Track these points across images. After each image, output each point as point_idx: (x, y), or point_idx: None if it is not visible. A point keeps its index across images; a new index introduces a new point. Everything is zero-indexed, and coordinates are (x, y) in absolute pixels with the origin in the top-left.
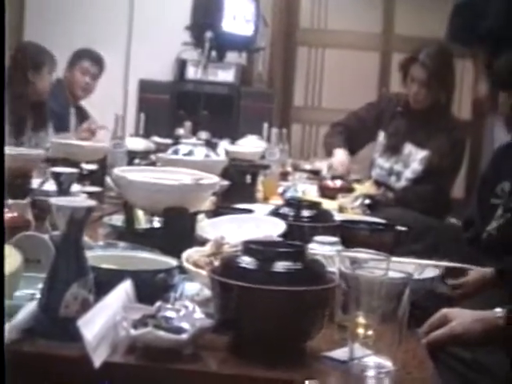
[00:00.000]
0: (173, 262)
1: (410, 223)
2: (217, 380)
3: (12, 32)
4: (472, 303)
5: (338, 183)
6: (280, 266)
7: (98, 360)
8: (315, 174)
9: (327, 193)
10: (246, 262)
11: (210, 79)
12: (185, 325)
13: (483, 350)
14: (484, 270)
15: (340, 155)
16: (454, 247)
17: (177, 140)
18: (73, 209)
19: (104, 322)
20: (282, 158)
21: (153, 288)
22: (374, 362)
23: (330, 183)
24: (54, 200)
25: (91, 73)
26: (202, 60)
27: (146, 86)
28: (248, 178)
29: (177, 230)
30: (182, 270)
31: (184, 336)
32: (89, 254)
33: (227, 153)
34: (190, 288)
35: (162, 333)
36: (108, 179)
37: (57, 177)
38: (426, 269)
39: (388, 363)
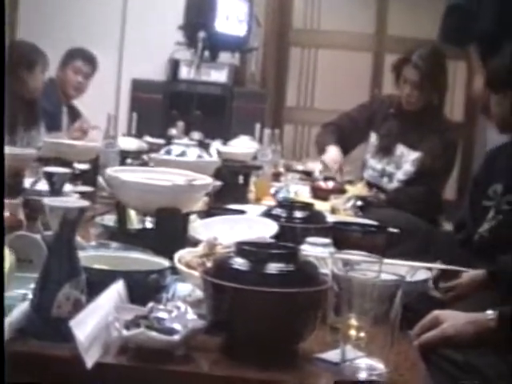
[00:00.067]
0: (165, 262)
1: (402, 224)
2: (209, 381)
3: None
4: (464, 305)
5: (331, 184)
6: (273, 267)
7: (90, 361)
8: (307, 174)
9: (319, 194)
10: (239, 263)
11: (203, 79)
12: (177, 326)
13: (475, 352)
14: (476, 271)
15: (333, 152)
16: (446, 249)
17: (169, 140)
18: (66, 209)
19: (96, 322)
20: (274, 158)
21: (145, 289)
22: (366, 364)
23: (322, 184)
24: (47, 200)
25: (84, 72)
26: (195, 60)
27: (138, 86)
28: (240, 179)
29: (169, 230)
30: (174, 270)
31: (176, 337)
32: (81, 254)
33: (219, 153)
34: (182, 289)
35: (154, 334)
36: (100, 179)
37: (49, 177)
38: (418, 271)
39: (380, 365)
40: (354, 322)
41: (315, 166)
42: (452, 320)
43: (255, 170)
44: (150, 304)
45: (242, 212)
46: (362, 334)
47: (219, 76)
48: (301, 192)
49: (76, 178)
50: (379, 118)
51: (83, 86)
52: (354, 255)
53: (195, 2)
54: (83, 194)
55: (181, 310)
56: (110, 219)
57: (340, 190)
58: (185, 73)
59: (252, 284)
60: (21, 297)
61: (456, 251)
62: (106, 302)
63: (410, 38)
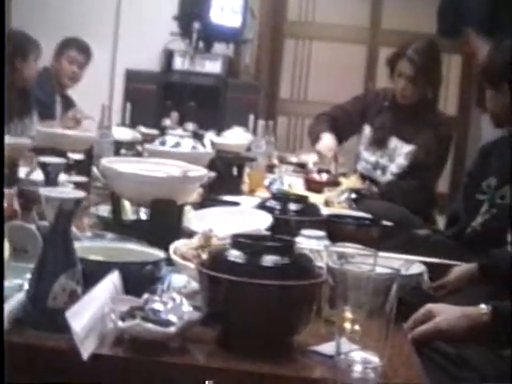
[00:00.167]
0: (160, 253)
1: (394, 218)
2: (204, 373)
3: None
4: (457, 299)
5: (324, 177)
6: (268, 260)
7: (85, 352)
8: (301, 166)
9: (313, 186)
10: (235, 255)
11: (197, 70)
12: (172, 317)
13: (467, 346)
14: (467, 265)
15: (327, 139)
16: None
17: (163, 131)
18: (62, 200)
19: (92, 313)
20: (267, 150)
21: (140, 280)
22: (361, 357)
23: (316, 176)
24: (43, 191)
25: (78, 62)
26: (190, 51)
27: (132, 76)
28: (234, 170)
29: (164, 221)
30: (169, 262)
31: (172, 329)
32: (76, 244)
33: (213, 144)
34: (177, 280)
35: (150, 325)
36: (94, 169)
37: (44, 167)
38: (412, 265)
39: (375, 358)
40: (348, 314)
41: (309, 158)
42: (445, 314)
43: (249, 162)
44: (146, 295)
45: (236, 204)
46: (357, 327)
47: (213, 67)
48: (295, 184)
49: (70, 168)
50: (373, 111)
51: (77, 76)
52: (349, 248)
53: None
54: (77, 184)
55: (176, 302)
56: (104, 210)
57: (334, 183)
58: (179, 63)
59: (247, 276)
60: (17, 287)
61: (446, 245)
62: (102, 293)
63: (404, 32)
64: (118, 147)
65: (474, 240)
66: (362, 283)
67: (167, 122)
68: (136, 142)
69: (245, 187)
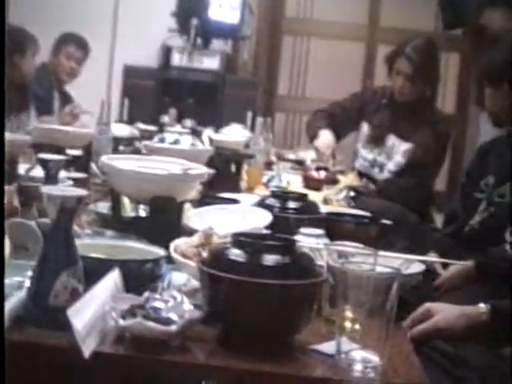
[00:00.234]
0: (160, 251)
1: (391, 216)
2: (205, 371)
3: None
4: (455, 298)
5: (323, 174)
6: (269, 259)
7: (87, 350)
8: (299, 163)
9: (311, 184)
10: (236, 254)
11: (195, 66)
12: (173, 316)
13: (466, 345)
14: (464, 264)
15: (325, 136)
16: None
17: (161, 127)
18: (63, 198)
19: (93, 311)
20: (266, 147)
21: (140, 278)
22: (361, 357)
23: (314, 174)
24: (44, 189)
25: (76, 57)
26: (188, 47)
27: (130, 72)
28: (233, 168)
29: (164, 219)
30: (168, 259)
31: (173, 327)
32: (76, 242)
33: (211, 141)
34: (177, 278)
35: (151, 324)
36: (93, 165)
37: (44, 163)
38: (412, 263)
39: (375, 357)
40: (349, 314)
41: (307, 155)
42: (444, 313)
43: (248, 159)
44: (146, 293)
45: (235, 201)
46: (357, 326)
47: (211, 63)
48: (293, 181)
49: (69, 164)
50: (371, 109)
51: (76, 72)
52: (349, 247)
53: None
54: (76, 181)
55: (177, 300)
56: (103, 206)
57: (332, 180)
58: (177, 59)
59: (248, 275)
60: (17, 284)
61: (443, 243)
62: (103, 291)
63: (402, 29)
64: (117, 143)
65: (472, 238)
66: (363, 282)
67: (165, 118)
68: (134, 139)
69: (243, 184)
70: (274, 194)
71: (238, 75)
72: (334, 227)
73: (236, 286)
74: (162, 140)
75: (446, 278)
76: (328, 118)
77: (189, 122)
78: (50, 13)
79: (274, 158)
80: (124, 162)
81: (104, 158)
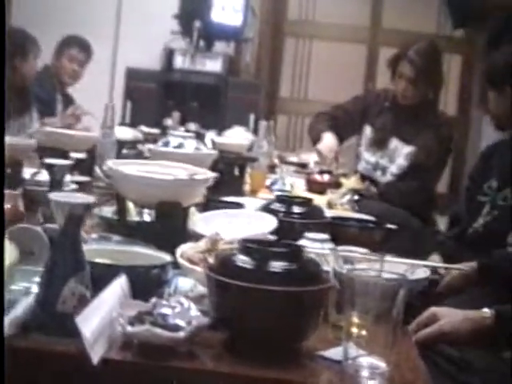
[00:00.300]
0: (167, 257)
1: (393, 220)
2: (212, 378)
3: None
4: (460, 303)
5: (326, 177)
6: (277, 265)
7: (95, 356)
8: (302, 166)
9: (315, 187)
10: (243, 261)
11: (198, 69)
12: (180, 322)
13: (470, 349)
14: (467, 266)
15: (328, 140)
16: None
17: (164, 130)
18: (72, 205)
19: (101, 318)
20: (269, 150)
21: (147, 283)
22: (368, 363)
23: (317, 177)
24: (52, 196)
25: (79, 60)
26: (190, 49)
27: (133, 74)
28: (236, 171)
29: (169, 224)
30: (174, 265)
31: (181, 334)
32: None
33: (214, 144)
34: (183, 283)
35: (159, 330)
36: (97, 169)
37: (50, 168)
38: (417, 269)
39: (382, 364)
40: (355, 319)
41: (309, 158)
42: (449, 317)
43: (251, 162)
44: (154, 300)
45: (240, 205)
46: (364, 332)
47: (214, 66)
48: (297, 185)
49: (73, 167)
50: (374, 112)
51: (78, 74)
52: (355, 252)
53: None
54: (80, 184)
55: (184, 306)
56: (107, 211)
57: (336, 184)
58: (180, 62)
59: (256, 282)
60: (24, 290)
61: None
62: (110, 297)
63: (404, 31)
64: (120, 147)
65: (475, 241)
66: (370, 288)
67: (169, 121)
68: (137, 142)
69: (246, 188)
70: (278, 199)
71: (240, 78)
72: (339, 232)
73: (243, 292)
74: (166, 144)
75: (449, 280)
76: (330, 121)
77: (193, 126)
78: (52, 15)
79: (276, 161)
80: (130, 167)
81: (110, 163)
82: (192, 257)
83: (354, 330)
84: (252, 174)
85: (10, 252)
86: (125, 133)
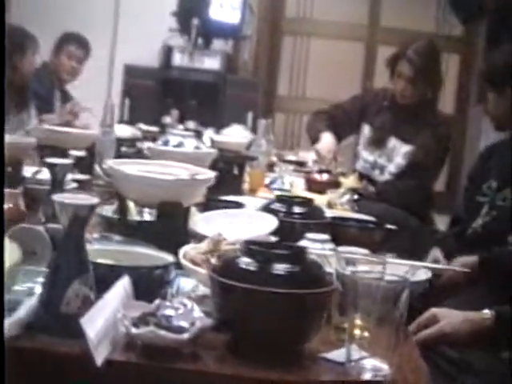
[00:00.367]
0: (169, 257)
1: (392, 220)
2: (216, 379)
3: None
4: (460, 303)
5: (325, 177)
6: (280, 267)
7: (99, 358)
8: (300, 164)
9: (314, 186)
10: (246, 263)
11: (196, 66)
12: (184, 323)
13: (470, 350)
14: (468, 260)
15: (327, 140)
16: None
17: (163, 128)
18: (76, 206)
19: (105, 319)
20: (267, 148)
21: (150, 284)
22: (371, 365)
23: (316, 177)
24: (56, 197)
25: (77, 57)
26: (189, 47)
27: (131, 72)
28: (235, 170)
29: (171, 224)
30: (176, 265)
31: (185, 335)
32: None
33: (213, 142)
34: (186, 284)
35: (163, 332)
36: (97, 167)
37: (51, 167)
38: (418, 270)
39: (384, 366)
40: (358, 321)
41: (307, 156)
42: (449, 318)
43: (251, 161)
44: (157, 301)
45: (240, 204)
46: (366, 334)
47: (212, 63)
48: (296, 184)
49: (73, 165)
50: (372, 111)
51: (77, 71)
52: (357, 253)
53: None
54: (80, 182)
55: (187, 307)
56: (107, 210)
57: (335, 183)
58: (178, 59)
59: (259, 284)
60: (27, 291)
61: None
62: (114, 298)
63: (402, 30)
64: (119, 144)
65: (474, 241)
66: (372, 291)
67: (167, 119)
68: (136, 139)
69: (245, 186)
70: (279, 199)
71: (238, 75)
72: (339, 232)
73: (246, 294)
74: (165, 143)
75: (450, 275)
76: (329, 120)
77: (191, 124)
78: (51, 13)
79: (274, 159)
80: (130, 167)
81: (111, 163)
82: (194, 257)
83: (357, 331)
84: (251, 173)
85: (13, 252)
86: (123, 130)
